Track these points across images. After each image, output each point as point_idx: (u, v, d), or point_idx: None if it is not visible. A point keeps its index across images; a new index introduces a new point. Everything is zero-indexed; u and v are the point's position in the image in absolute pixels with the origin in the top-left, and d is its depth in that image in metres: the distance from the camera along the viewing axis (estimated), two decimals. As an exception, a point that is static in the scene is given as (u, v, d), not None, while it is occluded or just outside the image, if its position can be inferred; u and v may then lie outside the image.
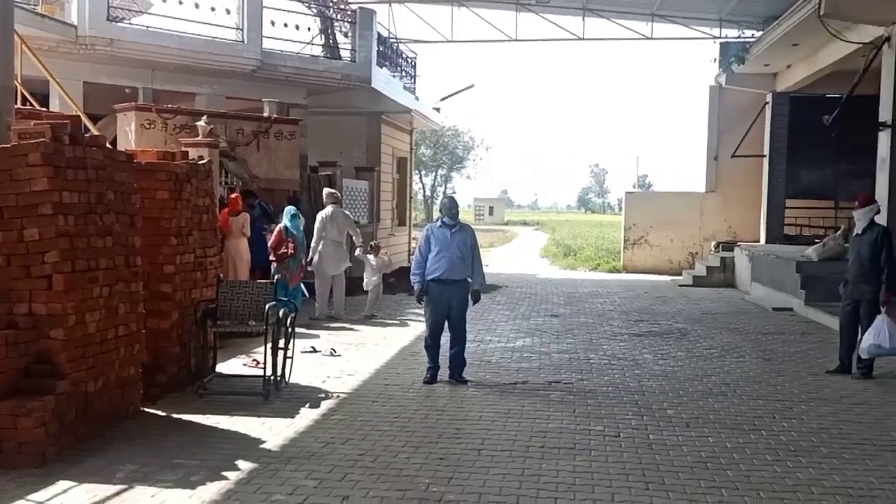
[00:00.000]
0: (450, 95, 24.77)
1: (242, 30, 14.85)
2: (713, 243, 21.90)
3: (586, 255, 29.00)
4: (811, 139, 19.21)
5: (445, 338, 8.52)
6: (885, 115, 13.25)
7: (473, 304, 8.67)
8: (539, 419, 6.95)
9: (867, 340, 8.56)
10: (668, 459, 5.88)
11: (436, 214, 9.28)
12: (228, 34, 14.86)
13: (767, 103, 20.72)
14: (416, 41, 22.70)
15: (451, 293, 8.41)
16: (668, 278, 21.18)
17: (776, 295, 15.50)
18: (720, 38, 21.32)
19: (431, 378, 8.36)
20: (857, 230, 9.13)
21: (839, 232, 15.63)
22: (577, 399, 7.72)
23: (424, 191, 52.79)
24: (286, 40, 16.01)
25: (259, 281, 8.98)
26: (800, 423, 6.91)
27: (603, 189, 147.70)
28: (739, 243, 20.52)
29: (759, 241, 20.89)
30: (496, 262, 27.95)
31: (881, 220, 12.84)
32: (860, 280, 8.88)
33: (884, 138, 13.34)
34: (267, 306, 7.75)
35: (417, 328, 11.04)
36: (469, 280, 8.52)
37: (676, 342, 11.13)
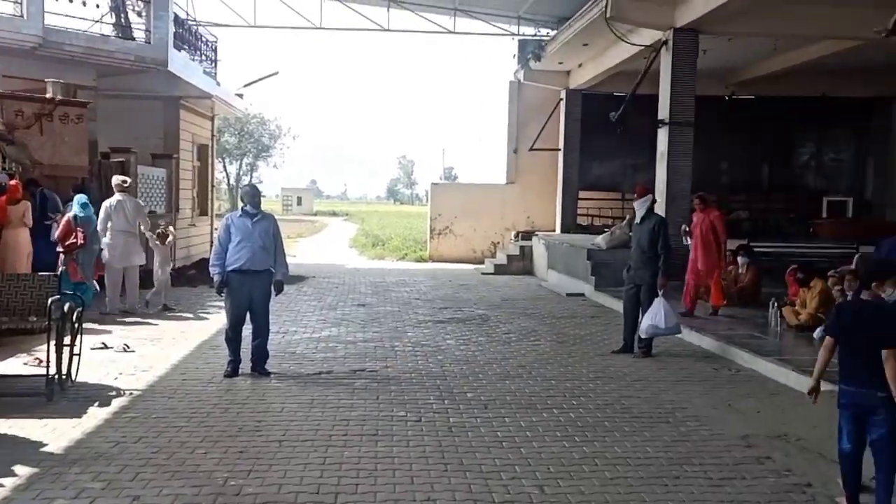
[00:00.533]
0: (254, 82, 24.14)
1: (21, 3, 13.70)
2: (513, 233, 22.83)
3: (394, 245, 29.31)
4: (601, 135, 20.41)
5: (248, 330, 8.33)
6: (663, 113, 14.37)
7: (276, 294, 8.53)
8: (342, 408, 6.96)
9: (646, 321, 9.28)
10: (466, 440, 6.08)
11: (241, 204, 9.04)
12: (6, 7, 13.66)
13: (562, 100, 21.86)
14: (216, 25, 21.93)
15: (253, 284, 8.23)
16: (472, 267, 21.84)
17: (570, 281, 16.41)
18: (518, 35, 22.18)
19: (232, 371, 8.15)
20: (637, 219, 9.85)
21: (625, 221, 16.74)
22: (380, 386, 7.81)
23: (229, 180, 51.17)
24: (72, 17, 14.93)
25: (41, 273, 8.34)
26: (587, 401, 7.37)
27: (411, 180, 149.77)
28: (537, 233, 21.52)
29: (555, 231, 22.02)
30: (304, 252, 27.63)
31: (661, 209, 13.95)
32: (640, 266, 9.60)
33: (662, 135, 14.46)
34: (50, 300, 7.23)
35: (219, 321, 10.71)
36: (272, 270, 8.37)
37: (478, 328, 11.51)
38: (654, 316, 9.20)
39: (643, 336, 9.40)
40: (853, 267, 11.81)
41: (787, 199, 24.17)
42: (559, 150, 22.07)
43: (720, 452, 5.85)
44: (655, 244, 9.42)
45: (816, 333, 9.96)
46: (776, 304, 10.94)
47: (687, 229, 12.09)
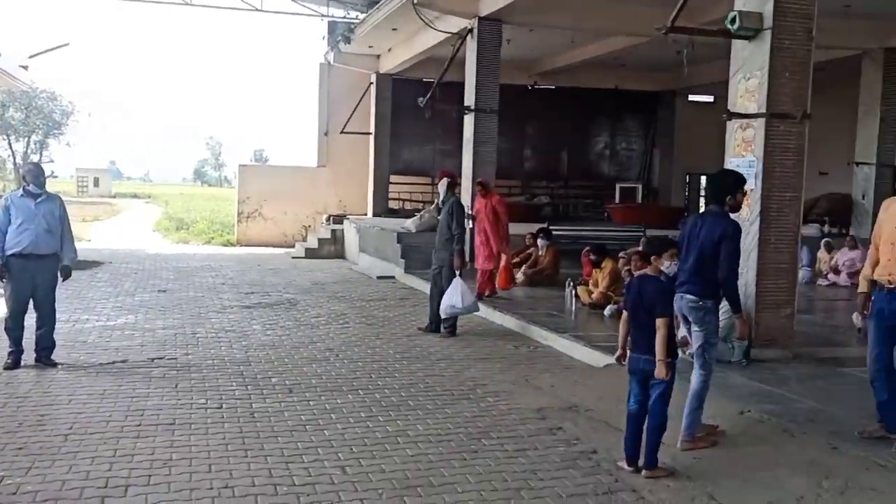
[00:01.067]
0: (40, 53, 22.37)
1: None
2: (325, 216, 22.66)
3: (200, 228, 28.27)
4: (412, 119, 20.73)
5: (32, 319, 7.74)
6: (469, 100, 14.73)
7: (63, 280, 7.97)
8: (137, 398, 6.64)
9: (445, 301, 9.55)
10: (269, 426, 5.98)
11: (24, 183, 8.33)
12: None
13: (372, 83, 21.89)
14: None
15: (37, 269, 7.64)
16: (283, 251, 21.46)
17: (381, 264, 16.52)
18: (328, 16, 21.95)
19: (14, 363, 7.54)
20: (440, 202, 10.10)
21: (433, 205, 17.08)
22: (180, 374, 7.51)
23: (15, 158, 47.15)
24: None
25: None
26: (393, 381, 7.46)
27: (219, 162, 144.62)
28: (349, 216, 21.48)
29: (366, 214, 22.07)
30: (101, 236, 26.01)
31: (467, 194, 14.33)
32: (440, 247, 9.85)
33: (468, 121, 14.84)
34: None
35: None
36: (59, 255, 7.81)
37: (286, 312, 11.34)
38: (452, 295, 9.48)
39: (443, 315, 9.64)
40: (640, 248, 12.68)
41: (585, 186, 25.60)
42: (370, 133, 22.11)
43: (516, 425, 6.11)
44: (450, 226, 9.70)
45: (607, 311, 10.64)
46: (572, 284, 11.56)
47: (471, 213, 12.42)
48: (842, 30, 15.74)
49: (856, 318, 6.48)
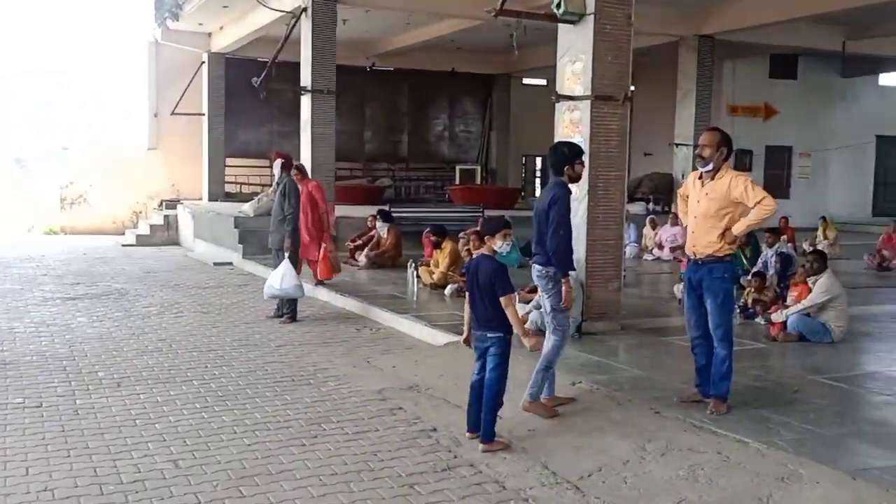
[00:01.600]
0: None
1: None
2: (157, 202, 21.67)
3: (16, 216, 26.30)
4: (247, 100, 20.14)
5: None
6: (305, 80, 14.46)
7: None
8: (-57, 401, 6.11)
9: (267, 283, 9.45)
10: (94, 422, 5.66)
11: None
12: None
13: (203, 62, 21.07)
14: None
15: None
16: (112, 239, 20.34)
17: (217, 250, 16.00)
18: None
19: None
20: (275, 184, 9.91)
21: (272, 188, 16.69)
22: (-6, 373, 6.98)
23: None
24: None
25: None
26: (230, 370, 7.25)
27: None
28: (182, 201, 20.65)
29: (202, 199, 21.30)
30: None
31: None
32: (274, 230, 9.67)
33: (305, 102, 14.58)
34: None
35: None
36: None
37: (115, 303, 10.77)
38: (274, 277, 9.36)
39: (265, 297, 9.52)
40: (478, 228, 12.96)
41: (426, 168, 25.85)
42: (203, 114, 21.30)
43: (357, 408, 6.09)
44: (283, 207, 9.54)
45: (448, 290, 10.81)
46: (413, 265, 11.65)
47: None
48: (660, 17, 16.66)
49: (676, 289, 6.92)
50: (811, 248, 12.82)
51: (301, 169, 10.92)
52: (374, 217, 13.99)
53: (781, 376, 6.89)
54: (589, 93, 7.95)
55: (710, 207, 5.67)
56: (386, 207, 14.86)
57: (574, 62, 8.12)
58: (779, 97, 22.30)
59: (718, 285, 5.69)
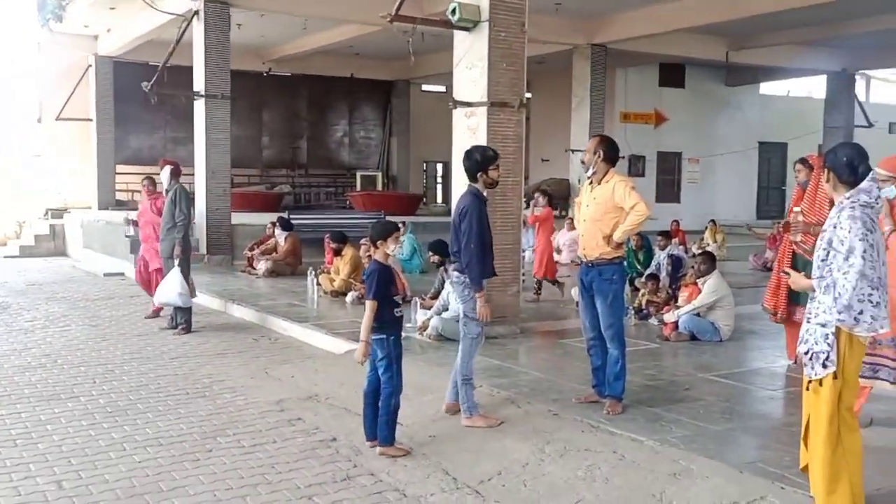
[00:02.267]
0: None
1: None
2: (42, 211, 20.72)
3: None
4: (138, 106, 19.51)
5: None
6: (198, 85, 14.11)
7: None
8: None
9: (157, 290, 9.21)
10: (-30, 446, 5.34)
11: None
12: None
13: (91, 66, 20.27)
14: None
15: None
16: (-8, 250, 19.34)
17: (108, 260, 15.39)
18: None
19: None
20: (164, 191, 9.60)
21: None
22: None
23: None
24: None
25: None
26: (120, 384, 6.96)
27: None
28: (70, 210, 19.81)
29: (90, 208, 20.47)
30: None
31: (201, 185, 13.80)
32: (164, 236, 9.34)
33: (199, 108, 14.22)
34: None
35: None
36: None
37: (-6, 318, 10.23)
38: (163, 285, 9.11)
39: (154, 304, 9.26)
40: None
41: (326, 174, 25.63)
42: (91, 119, 20.48)
43: (254, 420, 5.94)
44: (173, 214, 9.22)
45: (349, 297, 10.71)
46: (314, 272, 11.50)
47: (131, 219, 11.44)
48: (554, 26, 17.02)
49: (574, 292, 7.05)
50: (700, 251, 13.31)
51: (152, 180, 10.43)
52: (274, 224, 13.76)
53: (674, 375, 7.10)
54: (485, 99, 8.03)
55: (597, 211, 5.80)
56: (285, 215, 14.64)
57: (470, 69, 8.19)
58: (669, 105, 23.13)
59: (608, 287, 5.81)
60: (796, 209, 6.42)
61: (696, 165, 23.76)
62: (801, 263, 6.33)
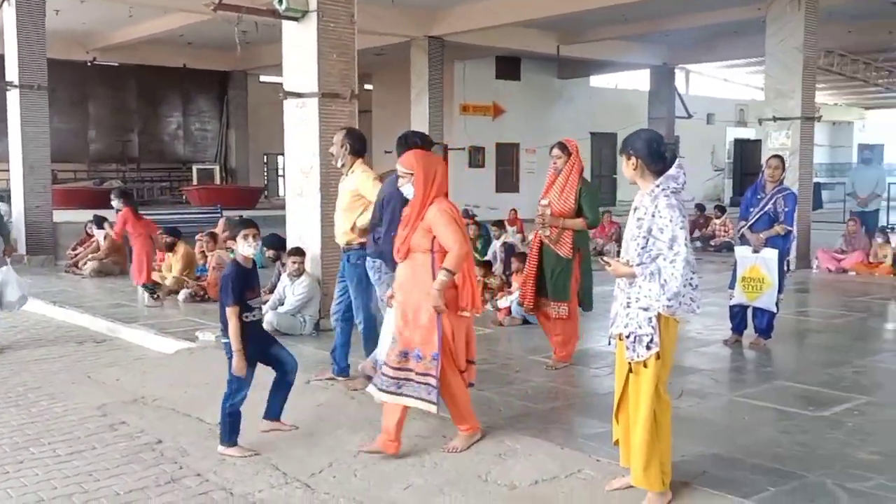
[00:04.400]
0: None
1: None
2: None
3: None
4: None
5: None
6: (11, 75, 13.20)
7: None
8: None
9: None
10: None
11: None
12: None
13: None
14: None
15: None
16: None
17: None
18: None
19: None
20: None
21: None
22: None
23: None
24: None
25: None
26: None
27: None
28: None
29: None
30: None
31: (18, 180, 12.92)
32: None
33: (13, 99, 13.31)
34: None
35: None
36: None
37: None
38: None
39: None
40: (215, 230, 12.58)
41: (160, 168, 24.63)
42: None
43: (73, 427, 5.63)
44: None
45: (181, 295, 10.36)
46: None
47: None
48: (390, 17, 17.07)
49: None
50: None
51: None
52: (89, 223, 13.10)
53: (506, 358, 7.31)
54: (315, 90, 7.95)
55: (344, 200, 6.22)
56: (99, 213, 13.88)
57: (299, 59, 8.08)
58: (505, 97, 23.73)
59: (353, 271, 6.20)
60: (543, 202, 6.67)
61: (533, 156, 24.49)
62: (549, 256, 6.64)
